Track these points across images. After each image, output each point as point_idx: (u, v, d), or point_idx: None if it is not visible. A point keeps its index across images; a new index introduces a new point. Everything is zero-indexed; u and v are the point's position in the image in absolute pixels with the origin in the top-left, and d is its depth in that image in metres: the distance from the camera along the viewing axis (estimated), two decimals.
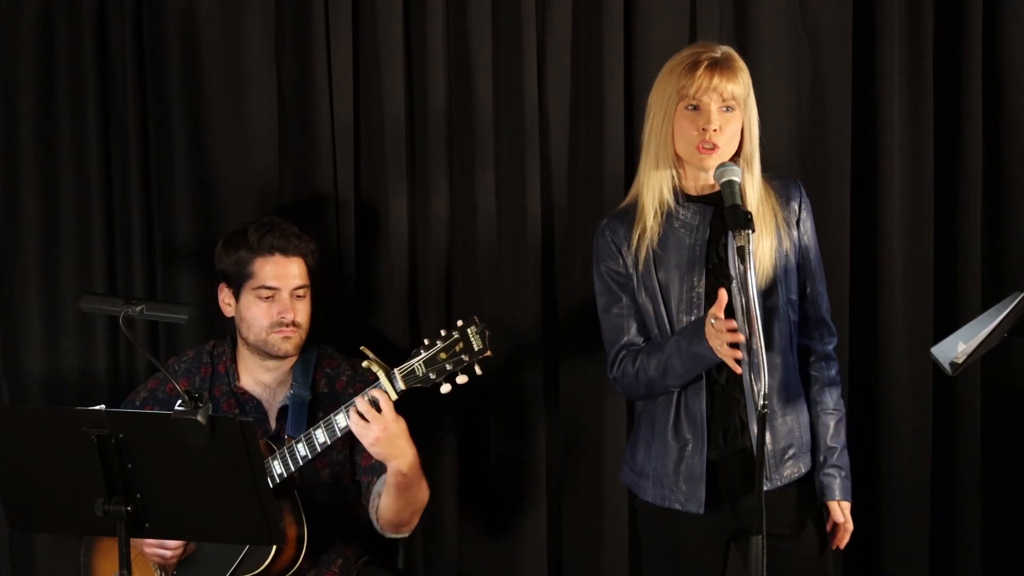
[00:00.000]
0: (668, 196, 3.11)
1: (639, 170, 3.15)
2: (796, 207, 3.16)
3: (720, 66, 3.04)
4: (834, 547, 3.21)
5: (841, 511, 3.17)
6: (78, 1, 3.75)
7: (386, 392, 3.21)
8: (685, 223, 3.11)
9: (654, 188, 3.10)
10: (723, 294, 2.94)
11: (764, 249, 3.08)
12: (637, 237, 3.13)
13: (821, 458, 3.18)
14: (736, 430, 3.12)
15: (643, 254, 3.13)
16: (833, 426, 3.19)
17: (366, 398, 3.21)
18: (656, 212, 3.10)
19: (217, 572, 3.30)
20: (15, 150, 3.80)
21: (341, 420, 3.26)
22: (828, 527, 3.19)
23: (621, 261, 3.16)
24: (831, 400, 3.21)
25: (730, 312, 3.05)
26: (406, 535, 3.47)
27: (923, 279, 3.73)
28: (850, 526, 3.20)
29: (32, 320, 3.82)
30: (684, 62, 3.05)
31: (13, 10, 3.76)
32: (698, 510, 3.13)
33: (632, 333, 3.17)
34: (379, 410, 3.20)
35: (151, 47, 3.76)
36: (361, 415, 3.21)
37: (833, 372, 3.22)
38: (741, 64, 3.08)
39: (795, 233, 3.15)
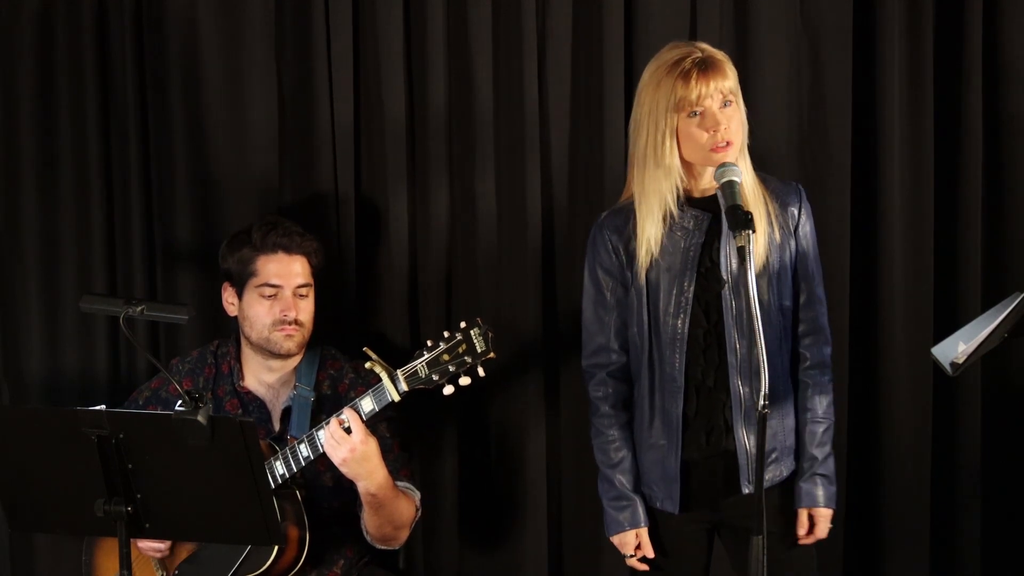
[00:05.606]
0: (671, 202, 3.08)
1: (630, 178, 3.13)
2: (795, 212, 3.14)
3: (709, 66, 3.01)
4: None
5: (816, 518, 3.14)
6: (78, 1, 3.75)
7: (358, 413, 3.21)
8: (682, 227, 3.10)
9: (657, 195, 3.06)
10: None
11: (757, 250, 3.04)
12: (635, 238, 3.11)
13: (805, 465, 3.15)
14: (720, 431, 3.12)
15: (640, 255, 3.11)
16: (820, 434, 3.15)
17: (338, 419, 3.22)
18: (660, 217, 3.08)
19: (219, 572, 3.30)
20: (15, 151, 3.80)
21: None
22: (801, 531, 3.16)
23: (615, 259, 3.15)
24: (820, 408, 3.16)
25: (720, 317, 3.07)
26: (396, 548, 3.48)
27: (923, 279, 3.73)
28: (822, 534, 3.16)
29: (32, 320, 3.82)
30: (672, 72, 3.01)
31: (13, 10, 3.76)
32: (673, 510, 3.14)
33: (610, 336, 3.18)
34: (349, 431, 3.20)
35: (151, 47, 3.76)
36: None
37: (826, 380, 3.18)
38: (724, 56, 3.06)
39: (792, 239, 3.13)
